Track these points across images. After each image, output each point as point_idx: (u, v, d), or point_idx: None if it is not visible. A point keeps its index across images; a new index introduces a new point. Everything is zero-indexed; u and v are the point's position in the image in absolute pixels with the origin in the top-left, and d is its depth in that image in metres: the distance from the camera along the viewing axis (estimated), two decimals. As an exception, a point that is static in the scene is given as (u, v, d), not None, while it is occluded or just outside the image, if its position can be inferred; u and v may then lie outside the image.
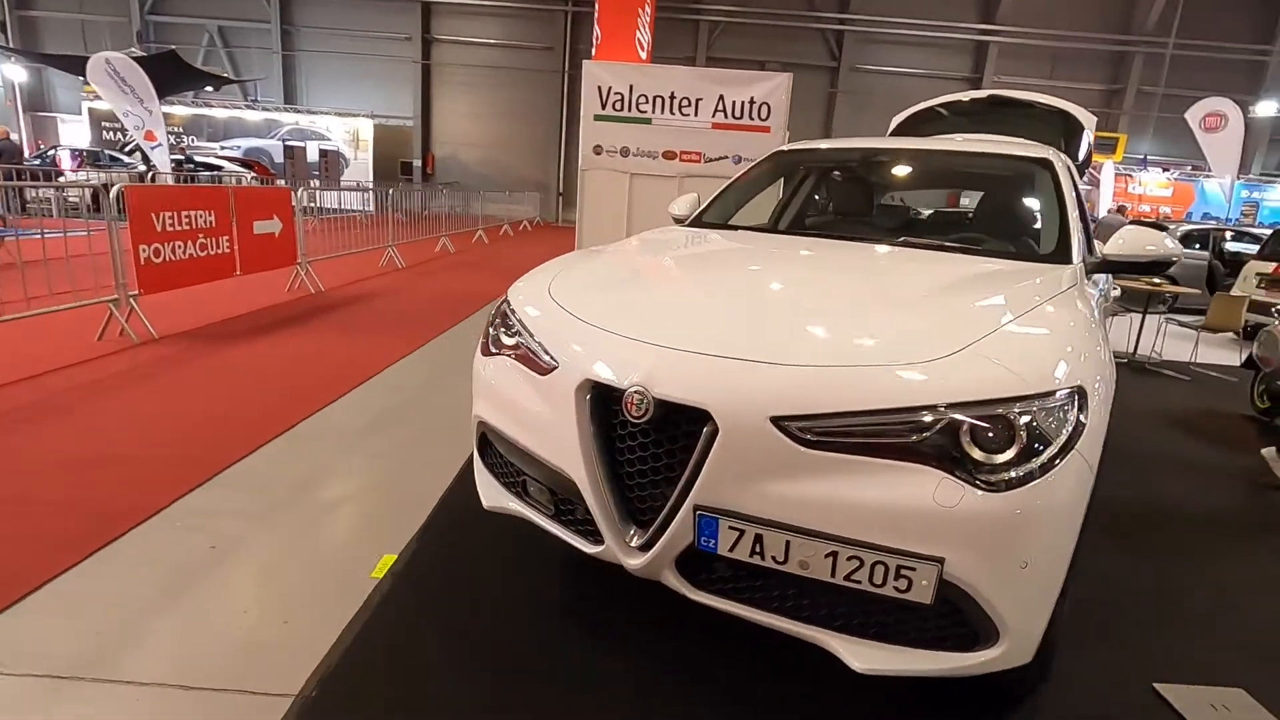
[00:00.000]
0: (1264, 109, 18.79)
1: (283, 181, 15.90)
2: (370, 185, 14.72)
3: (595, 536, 1.70)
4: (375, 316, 6.00)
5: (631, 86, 6.03)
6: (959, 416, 1.36)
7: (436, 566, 2.23)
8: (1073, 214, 2.35)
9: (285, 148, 18.35)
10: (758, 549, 1.43)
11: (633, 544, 1.61)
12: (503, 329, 2.03)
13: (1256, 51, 20.12)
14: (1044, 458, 1.34)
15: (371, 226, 9.04)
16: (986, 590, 1.34)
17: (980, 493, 1.32)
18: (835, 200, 3.13)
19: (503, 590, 2.12)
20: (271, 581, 2.11)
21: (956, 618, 1.38)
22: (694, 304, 1.83)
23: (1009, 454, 1.35)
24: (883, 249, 2.34)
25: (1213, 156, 15.51)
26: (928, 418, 1.37)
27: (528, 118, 21.72)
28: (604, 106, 6.09)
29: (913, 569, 1.33)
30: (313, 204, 9.32)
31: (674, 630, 1.95)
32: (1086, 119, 4.09)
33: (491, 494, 2.01)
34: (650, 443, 1.55)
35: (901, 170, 3.01)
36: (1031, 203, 2.52)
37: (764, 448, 1.41)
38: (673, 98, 6.04)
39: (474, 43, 21.31)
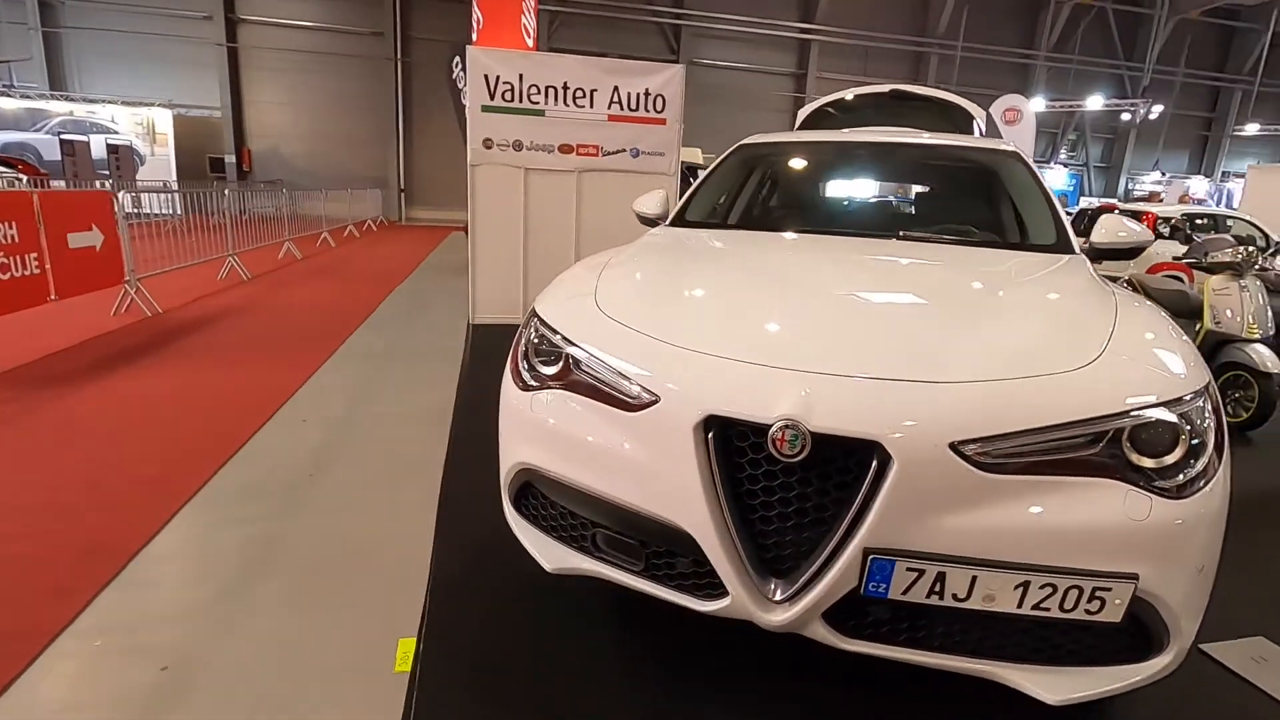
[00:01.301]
0: (1035, 104, 21.87)
1: (63, 183, 13.40)
2: (176, 185, 12.80)
3: (713, 591, 1.48)
4: (238, 340, 5.16)
5: (521, 75, 5.65)
6: (1130, 423, 1.31)
7: (464, 638, 1.87)
8: (1056, 203, 2.46)
9: (62, 142, 15.47)
10: (937, 588, 1.30)
11: (775, 598, 1.41)
12: (543, 357, 1.73)
13: (1024, 56, 23.35)
14: (1205, 457, 1.33)
15: (204, 233, 7.81)
16: (1170, 599, 1.31)
17: (1165, 501, 1.28)
18: (812, 195, 3.07)
19: (557, 645, 1.82)
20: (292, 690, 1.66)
21: (1135, 630, 1.34)
22: (796, 318, 1.65)
23: (1175, 457, 1.32)
24: (904, 245, 2.30)
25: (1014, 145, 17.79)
26: (1103, 428, 1.30)
27: (360, 108, 20.04)
28: (492, 97, 5.66)
29: (1108, 589, 1.26)
30: (135, 209, 7.87)
31: (765, 675, 1.77)
32: (976, 111, 4.39)
33: (552, 553, 1.71)
34: (798, 482, 1.35)
35: (875, 164, 3.02)
36: (1016, 193, 2.60)
37: (943, 478, 1.28)
38: (566, 88, 5.74)
39: (288, 25, 19.23)
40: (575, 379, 1.64)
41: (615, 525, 1.58)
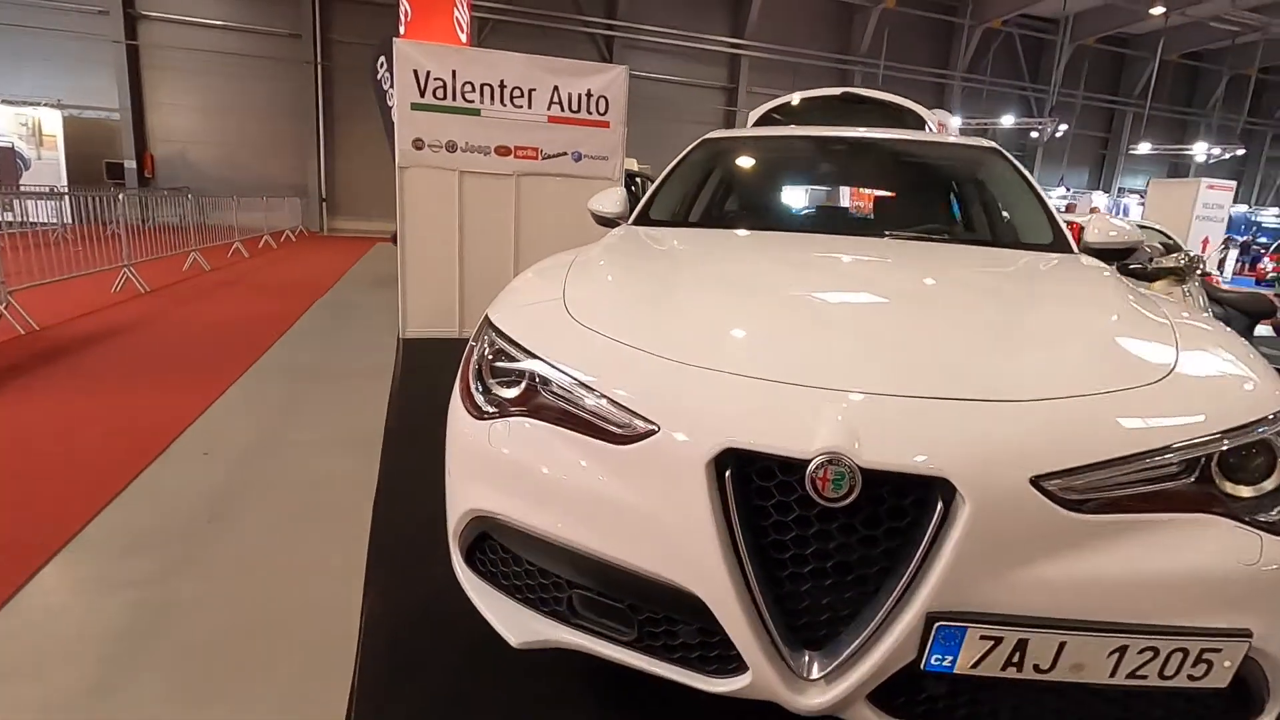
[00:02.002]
0: (955, 121, 22.87)
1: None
2: (65, 190, 11.67)
3: (725, 667, 1.18)
4: (129, 360, 4.54)
5: (455, 72, 5.27)
6: (1225, 445, 1.09)
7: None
8: (1048, 201, 2.30)
9: (-71, 143, 13.91)
10: (1015, 659, 1.04)
11: (810, 676, 1.12)
12: (502, 377, 1.40)
13: (941, 75, 24.38)
14: None
15: (96, 243, 7.01)
16: (1278, 654, 1.09)
17: (1275, 539, 1.07)
18: (789, 192, 2.84)
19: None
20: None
21: (1236, 693, 1.12)
22: (818, 327, 1.38)
23: (1275, 483, 1.11)
24: (898, 244, 2.08)
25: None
26: (1196, 453, 1.08)
27: (277, 113, 18.93)
28: (423, 94, 5.25)
29: (1217, 650, 1.03)
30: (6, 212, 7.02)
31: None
32: (927, 115, 4.32)
33: (517, 622, 1.37)
34: (840, 531, 1.07)
35: (853, 160, 2.81)
36: (1004, 191, 2.44)
37: (1023, 520, 1.02)
38: (503, 86, 5.39)
39: (196, 23, 18.01)
40: (543, 403, 1.32)
41: (598, 586, 1.27)
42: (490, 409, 1.38)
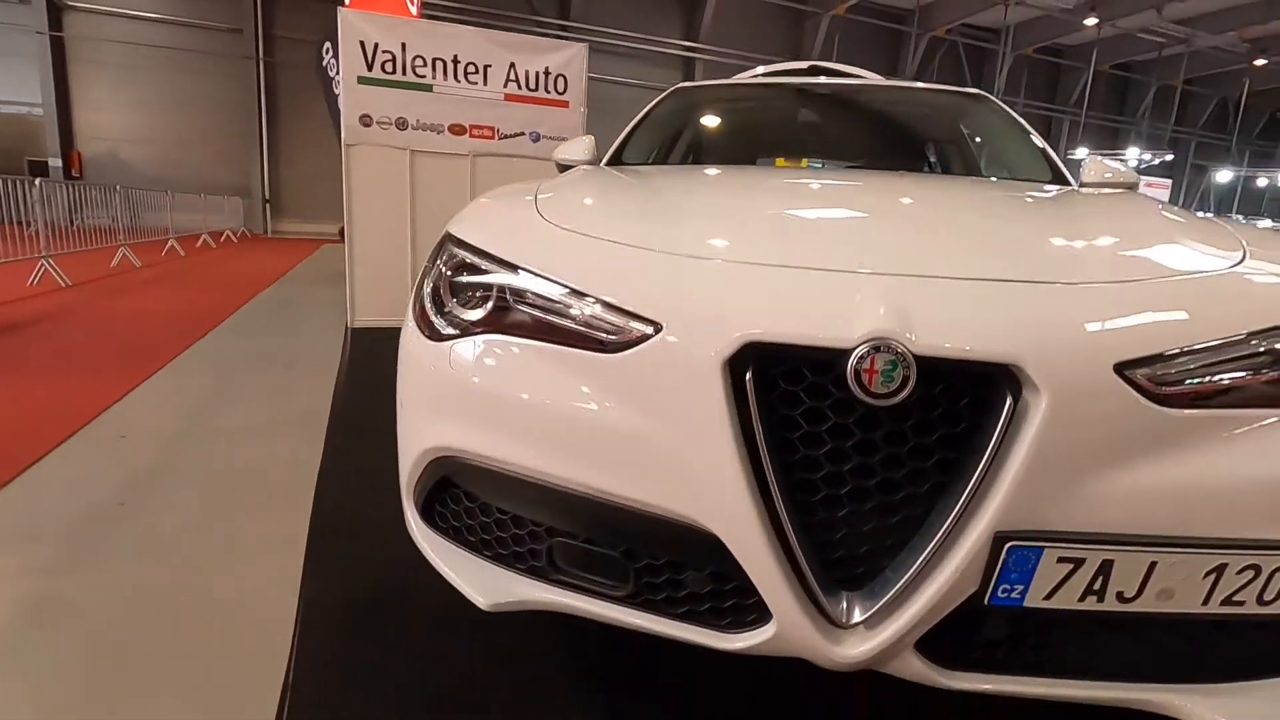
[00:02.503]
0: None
1: None
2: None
3: (744, 620, 0.99)
4: (41, 348, 4.12)
5: (405, 45, 4.99)
6: (1320, 335, 0.94)
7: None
8: (1040, 140, 2.19)
9: None
10: (1097, 585, 0.86)
11: (852, 620, 0.93)
12: (466, 296, 1.18)
13: (890, 81, 24.95)
14: None
15: (10, 236, 6.46)
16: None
17: (1377, 438, 0.92)
18: (772, 139, 2.65)
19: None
20: None
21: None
22: (849, 217, 1.20)
23: None
24: (900, 176, 1.92)
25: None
26: (1285, 341, 0.93)
27: (216, 111, 18.13)
28: (370, 67, 4.95)
29: (1324, 566, 0.88)
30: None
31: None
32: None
33: (487, 581, 1.14)
34: (886, 439, 0.89)
35: (840, 108, 2.66)
36: (997, 133, 2.32)
37: (1107, 416, 0.86)
38: (457, 62, 5.14)
39: (128, 15, 17.14)
40: (517, 319, 1.10)
41: (586, 531, 1.05)
42: (451, 331, 1.16)
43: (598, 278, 1.03)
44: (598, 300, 1.01)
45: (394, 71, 5.01)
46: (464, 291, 1.19)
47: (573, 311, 1.03)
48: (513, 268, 1.12)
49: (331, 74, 7.81)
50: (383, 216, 5.18)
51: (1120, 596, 0.87)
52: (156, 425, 2.83)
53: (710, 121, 2.61)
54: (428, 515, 1.23)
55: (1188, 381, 0.88)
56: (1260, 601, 0.88)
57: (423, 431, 1.16)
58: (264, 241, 16.07)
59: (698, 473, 0.92)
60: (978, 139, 2.37)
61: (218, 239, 14.01)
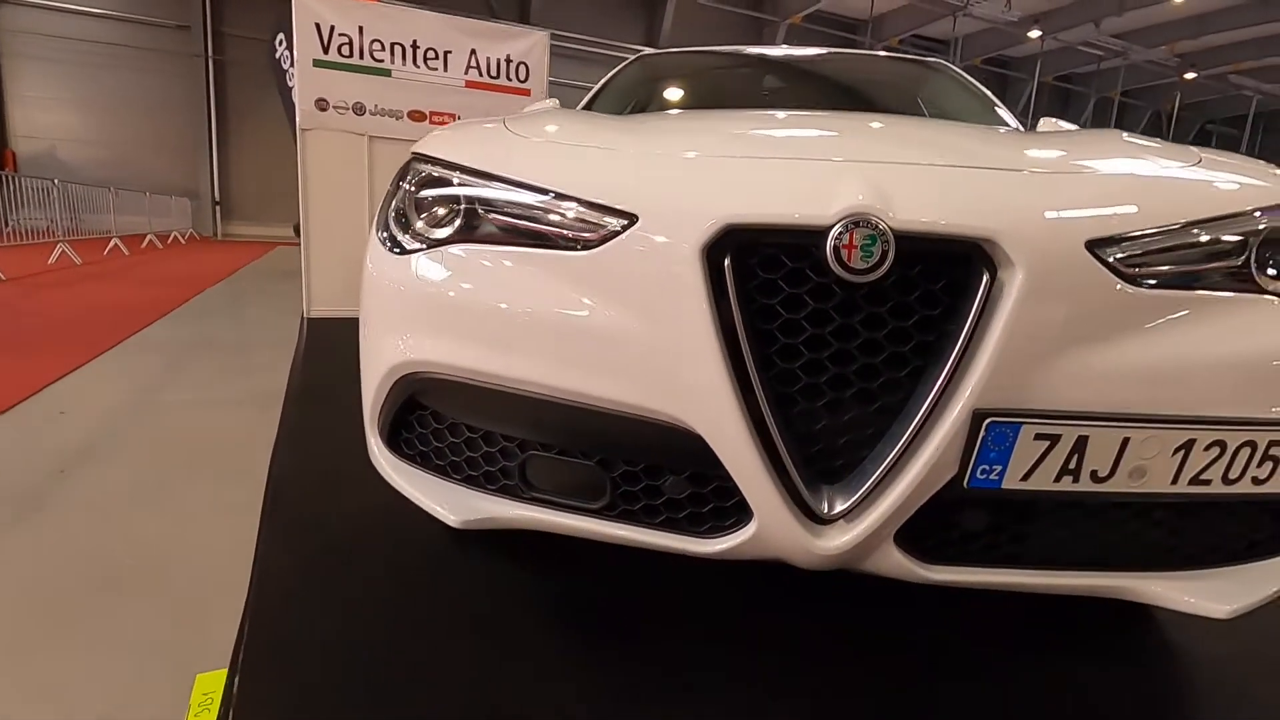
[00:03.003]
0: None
1: None
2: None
3: (723, 523, 0.97)
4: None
5: (362, 28, 4.89)
6: (1275, 224, 0.97)
7: (309, 652, 1.19)
8: (999, 103, 2.25)
9: None
10: (1073, 464, 0.87)
11: (833, 511, 0.91)
12: (432, 212, 1.14)
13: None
14: None
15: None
16: (1337, 457, 0.98)
17: (1333, 320, 0.95)
18: (738, 99, 2.66)
19: (453, 650, 1.20)
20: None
21: (1285, 508, 1.00)
22: (823, 126, 1.20)
23: None
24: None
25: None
26: (1247, 227, 0.96)
27: (163, 111, 17.53)
28: (326, 50, 4.85)
29: (1286, 442, 0.90)
30: None
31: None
32: None
33: (461, 503, 1.10)
34: (864, 323, 0.88)
35: (803, 76, 2.68)
36: (956, 100, 2.37)
37: (1081, 292, 0.87)
38: (416, 47, 5.06)
39: (67, 10, 16.50)
40: (487, 228, 1.07)
41: (561, 440, 1.03)
42: (417, 244, 1.12)
43: (570, 176, 1.01)
44: (570, 197, 0.98)
45: (351, 55, 4.91)
46: (432, 206, 1.15)
47: (544, 212, 1.01)
48: (481, 174, 1.09)
49: (285, 66, 7.61)
50: (340, 204, 5.05)
51: (1094, 476, 0.88)
52: (98, 403, 2.69)
53: (676, 86, 2.61)
54: (394, 443, 1.19)
55: (1157, 262, 0.90)
56: (1225, 480, 0.90)
57: (389, 349, 1.12)
58: (213, 244, 15.58)
59: (677, 367, 0.91)
60: (939, 103, 2.42)
61: (164, 240, 13.53)
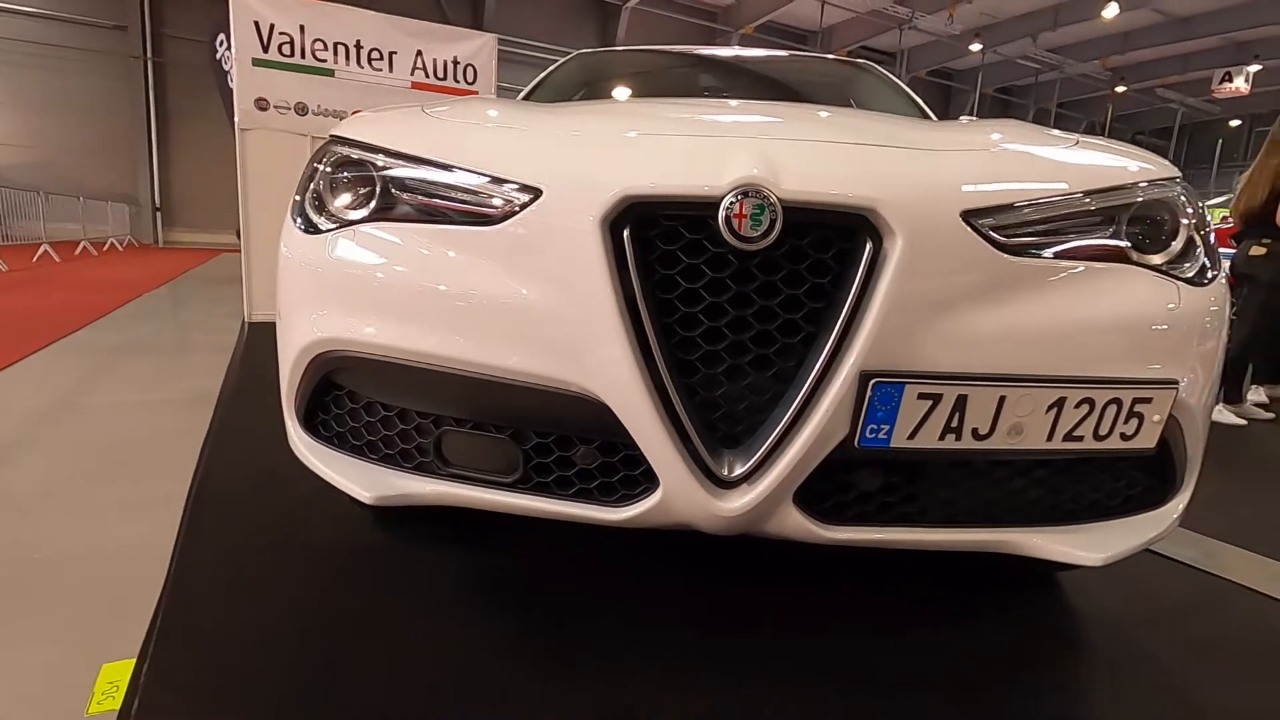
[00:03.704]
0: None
1: None
2: None
3: (632, 492, 1.00)
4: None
5: (303, 27, 4.82)
6: (1139, 198, 1.05)
7: (216, 640, 1.17)
8: (922, 104, 2.34)
9: None
10: (955, 423, 0.93)
11: (734, 474, 0.95)
12: (348, 193, 1.15)
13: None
14: (1202, 247, 1.11)
15: None
16: (1199, 418, 1.06)
17: (1191, 288, 1.04)
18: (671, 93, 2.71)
19: (371, 631, 1.19)
20: None
21: (1158, 465, 1.07)
22: (726, 110, 1.24)
23: (1181, 242, 1.08)
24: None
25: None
26: (1114, 202, 1.04)
27: (99, 114, 16.87)
28: (266, 49, 4.76)
29: (1148, 400, 0.97)
30: None
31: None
32: None
33: (376, 481, 1.10)
34: (759, 291, 0.92)
35: (733, 75, 2.74)
36: (881, 99, 2.45)
37: (957, 259, 0.92)
38: (360, 47, 5.01)
39: (-4, 8, 15.79)
40: (401, 207, 1.09)
41: (474, 413, 1.04)
42: (329, 223, 1.13)
43: (478, 153, 1.03)
44: (478, 173, 1.01)
45: (292, 54, 4.83)
46: (346, 187, 1.16)
47: (453, 189, 1.03)
48: (395, 154, 1.10)
49: (227, 67, 7.43)
50: (282, 205, 4.89)
51: (976, 434, 0.93)
52: (18, 406, 2.59)
53: (611, 82, 2.65)
54: (310, 425, 1.19)
55: (1028, 232, 0.96)
56: (1096, 436, 0.97)
57: (305, 329, 1.12)
58: (154, 251, 15.03)
59: (582, 337, 0.93)
60: (865, 101, 2.50)
61: (100, 247, 13.01)
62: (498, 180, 0.99)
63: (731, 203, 0.87)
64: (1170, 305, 1.00)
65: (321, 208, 1.17)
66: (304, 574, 1.40)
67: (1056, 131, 1.28)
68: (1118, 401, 0.96)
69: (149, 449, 2.20)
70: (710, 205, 0.88)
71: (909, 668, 1.13)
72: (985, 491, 1.03)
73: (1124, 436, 0.98)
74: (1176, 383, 0.98)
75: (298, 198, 1.22)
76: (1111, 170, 1.08)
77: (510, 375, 0.98)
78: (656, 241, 0.93)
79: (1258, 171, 3.47)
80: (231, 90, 6.05)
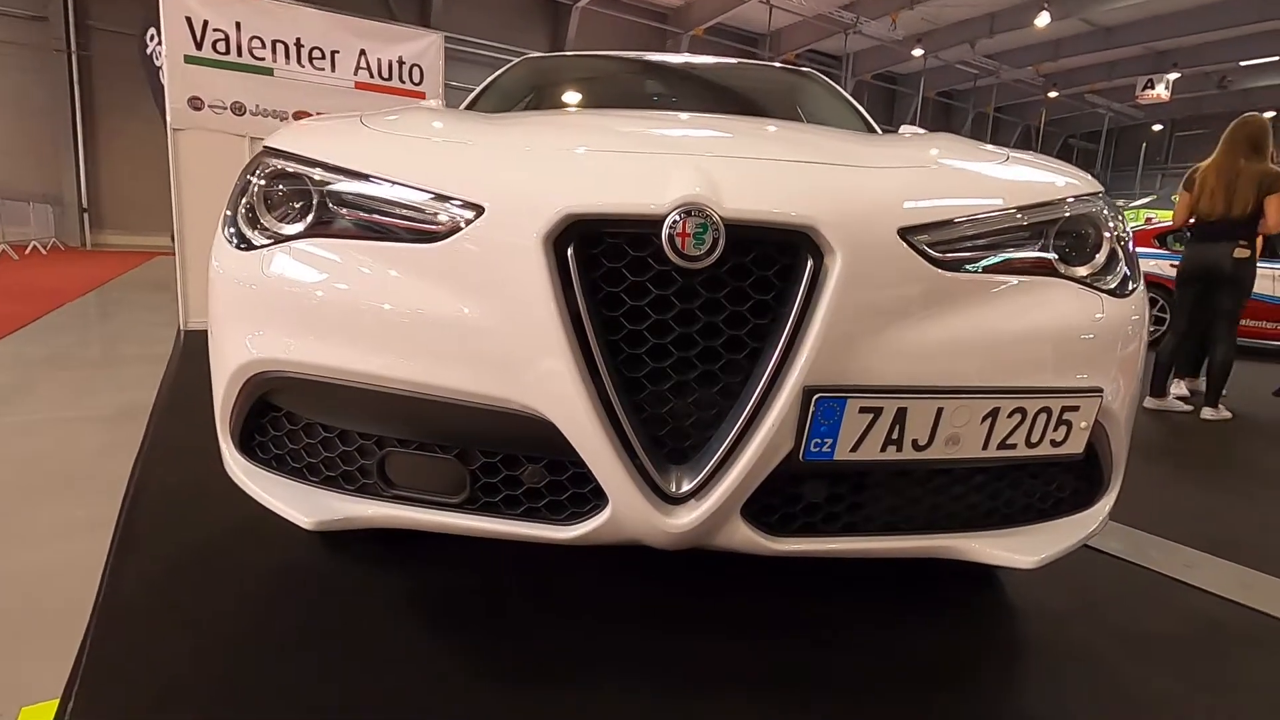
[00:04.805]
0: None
1: None
2: None
3: (581, 510, 0.99)
4: None
5: (239, 24, 4.65)
6: (1065, 213, 1.10)
7: (149, 677, 1.12)
8: (864, 112, 2.40)
9: None
10: (895, 434, 0.95)
11: (681, 490, 0.95)
12: (284, 208, 1.11)
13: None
14: (1124, 259, 1.16)
15: None
16: (1123, 423, 1.11)
17: (1114, 299, 1.09)
18: (615, 101, 2.70)
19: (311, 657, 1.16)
20: None
21: (1086, 468, 1.12)
22: (669, 125, 1.25)
23: (1105, 255, 1.13)
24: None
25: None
26: (1042, 217, 1.08)
27: (18, 109, 15.94)
28: (199, 46, 4.58)
29: (1075, 408, 1.02)
30: None
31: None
32: None
33: (313, 503, 1.07)
34: (703, 308, 0.93)
35: (678, 82, 2.75)
36: (824, 108, 2.50)
37: (895, 275, 0.95)
38: (300, 45, 4.86)
39: (-106, -5, 14.75)
40: (338, 222, 1.05)
41: (419, 434, 1.02)
42: (264, 239, 1.09)
43: (420, 169, 1.01)
44: (420, 189, 0.99)
45: (227, 52, 4.66)
46: (280, 201, 1.12)
47: (394, 205, 1.01)
48: (332, 168, 1.07)
49: (158, 63, 7.12)
50: (218, 208, 4.73)
51: (915, 445, 0.96)
52: (-73, 426, 2.43)
53: (557, 90, 2.64)
54: (247, 448, 1.14)
55: (962, 247, 0.99)
56: (1029, 444, 1.01)
57: (239, 349, 1.08)
58: (81, 254, 14.29)
59: (527, 356, 0.92)
60: (809, 109, 2.55)
61: (20, 250, 12.30)
62: (440, 197, 0.97)
63: (675, 221, 0.87)
64: (1095, 316, 1.05)
65: (255, 222, 1.13)
66: (236, 597, 1.35)
67: (990, 146, 1.33)
68: (1048, 410, 1.00)
69: (74, 469, 2.09)
70: (654, 223, 0.89)
71: (853, 668, 1.16)
72: (926, 499, 1.06)
73: (1054, 443, 1.02)
74: (1102, 390, 1.03)
75: (229, 211, 1.18)
76: (1040, 186, 1.13)
77: (456, 395, 0.96)
78: (600, 259, 0.92)
79: (1237, 179, 3.43)
80: (164, 87, 5.81)
